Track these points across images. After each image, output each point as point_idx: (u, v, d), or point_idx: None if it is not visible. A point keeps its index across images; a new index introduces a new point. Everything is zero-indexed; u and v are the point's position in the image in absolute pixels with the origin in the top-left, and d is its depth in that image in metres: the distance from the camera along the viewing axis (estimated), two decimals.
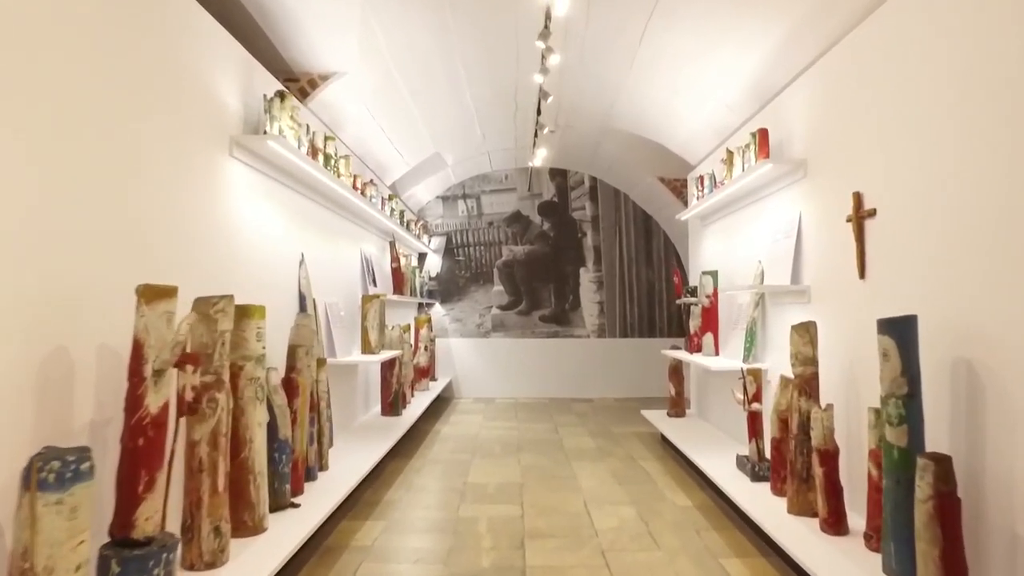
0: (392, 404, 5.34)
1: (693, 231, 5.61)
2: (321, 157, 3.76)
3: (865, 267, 2.66)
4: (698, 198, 4.82)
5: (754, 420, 3.36)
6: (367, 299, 4.76)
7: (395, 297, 5.97)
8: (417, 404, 5.99)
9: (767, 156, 3.45)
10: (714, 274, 4.47)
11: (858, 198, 2.68)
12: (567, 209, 8.29)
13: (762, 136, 3.49)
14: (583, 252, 8.26)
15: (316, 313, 3.92)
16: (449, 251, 8.37)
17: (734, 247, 4.45)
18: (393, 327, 5.39)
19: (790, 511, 2.74)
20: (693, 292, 4.99)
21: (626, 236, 8.23)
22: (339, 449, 4.03)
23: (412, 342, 7.02)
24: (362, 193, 4.82)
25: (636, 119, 5.73)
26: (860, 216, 2.66)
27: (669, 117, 5.27)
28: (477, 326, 8.26)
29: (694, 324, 4.77)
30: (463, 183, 8.31)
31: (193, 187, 2.58)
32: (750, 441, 3.38)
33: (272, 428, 2.82)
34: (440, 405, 7.46)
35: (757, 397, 3.38)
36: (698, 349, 4.76)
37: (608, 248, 8.23)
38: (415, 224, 7.46)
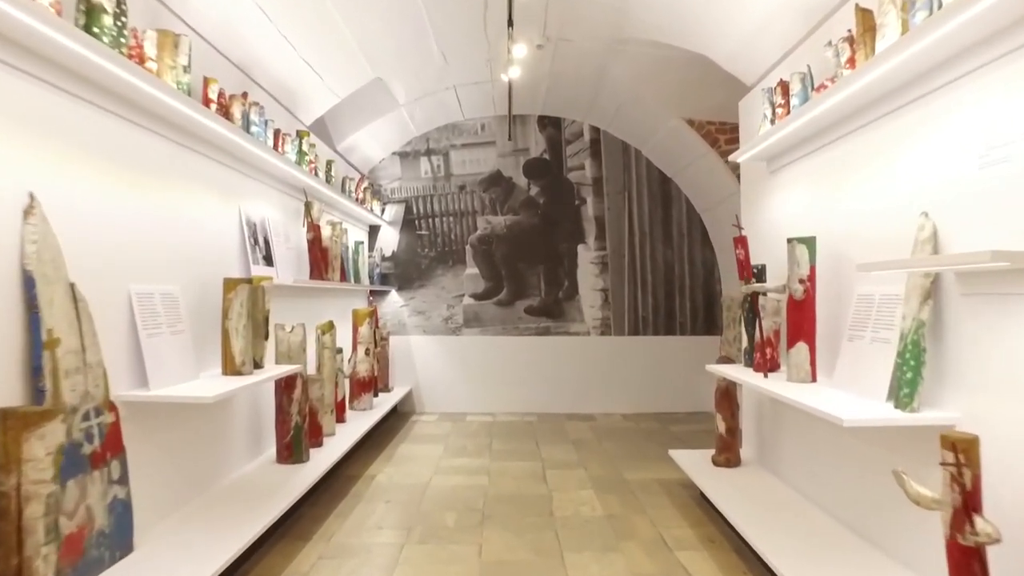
0: (291, 446, 3.48)
1: (751, 183, 3.74)
2: (77, 10, 1.87)
3: None
4: (773, 121, 2.95)
5: (977, 560, 1.51)
6: (230, 284, 2.88)
7: (314, 283, 4.10)
8: (345, 436, 4.14)
9: None
10: (810, 243, 2.62)
11: None
12: (561, 169, 6.40)
13: None
14: (582, 224, 6.38)
15: (80, 313, 2.04)
16: (409, 223, 6.47)
17: (845, 196, 2.59)
18: (292, 327, 3.52)
19: None
20: (760, 275, 3.13)
21: (637, 203, 6.36)
22: (141, 558, 2.17)
23: (351, 345, 5.15)
24: (224, 112, 2.92)
25: (663, 15, 3.84)
26: None
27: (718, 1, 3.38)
28: (445, 320, 6.40)
29: (768, 326, 2.91)
30: (426, 135, 6.40)
31: None
32: None
33: None
34: (392, 426, 5.61)
35: (974, 500, 1.53)
36: (771, 367, 2.91)
37: (614, 219, 6.35)
38: (358, 186, 5.56)
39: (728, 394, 3.49)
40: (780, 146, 3.00)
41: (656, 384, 6.27)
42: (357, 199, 5.49)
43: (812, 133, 2.74)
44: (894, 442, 2.20)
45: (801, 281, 2.58)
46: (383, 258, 6.43)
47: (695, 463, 3.61)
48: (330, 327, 4.21)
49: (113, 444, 2.14)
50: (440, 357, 6.36)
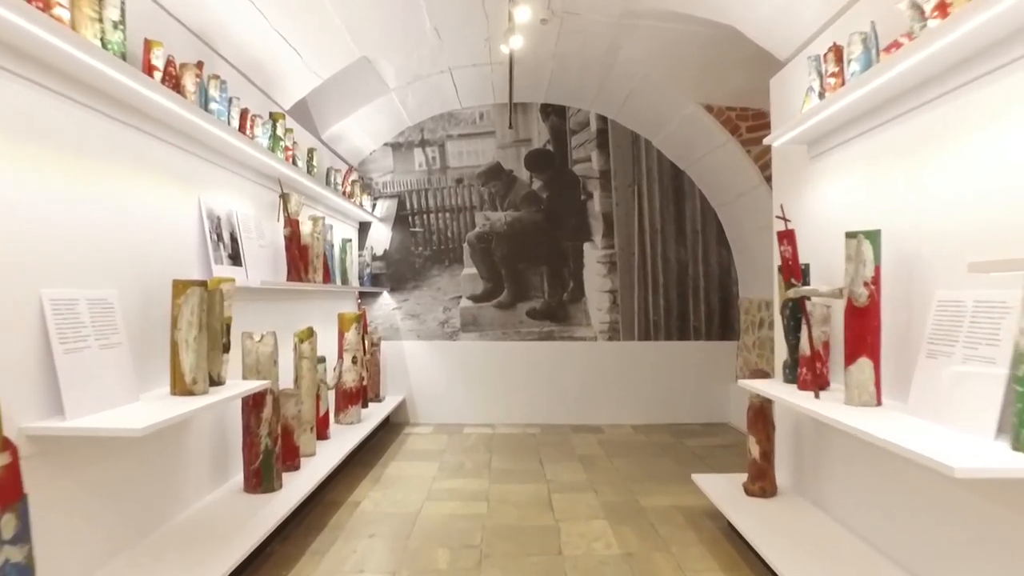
0: (260, 473, 3.02)
1: (786, 171, 3.29)
2: None
3: None
4: (822, 95, 2.50)
5: None
6: (179, 288, 2.42)
7: (291, 285, 3.65)
8: (327, 456, 3.69)
9: None
10: (875, 238, 2.16)
11: None
12: (566, 161, 5.95)
13: None
14: (588, 221, 5.93)
15: None
16: (402, 219, 6.02)
17: (921, 181, 2.14)
18: (261, 336, 3.06)
19: None
20: (803, 275, 2.67)
21: (648, 199, 5.90)
22: None
23: (336, 353, 4.69)
24: (174, 84, 2.47)
25: None
26: None
27: None
28: (440, 324, 5.95)
29: (818, 335, 2.46)
30: (420, 125, 5.95)
31: None
32: None
33: None
34: (383, 439, 5.16)
35: None
36: (819, 384, 2.45)
37: (623, 215, 5.90)
38: (345, 179, 5.11)
39: (763, 413, 3.04)
40: (830, 124, 2.55)
41: (668, 393, 5.82)
42: (344, 192, 5.03)
43: (876, 105, 2.28)
44: (993, 485, 1.75)
45: (866, 284, 2.13)
46: (374, 257, 5.97)
47: (723, 491, 3.16)
48: (309, 334, 3.76)
49: (6, 493, 1.69)
50: (435, 364, 5.91)
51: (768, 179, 4.72)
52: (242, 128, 3.12)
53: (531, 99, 5.82)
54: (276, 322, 3.77)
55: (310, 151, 4.26)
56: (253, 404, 3.01)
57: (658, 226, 5.89)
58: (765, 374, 3.11)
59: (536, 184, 5.94)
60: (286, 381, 3.70)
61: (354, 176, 5.38)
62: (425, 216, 6.00)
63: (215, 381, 2.61)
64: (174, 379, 2.41)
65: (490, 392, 5.85)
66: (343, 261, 5.11)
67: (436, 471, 4.28)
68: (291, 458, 3.40)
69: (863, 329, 2.16)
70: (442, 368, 5.90)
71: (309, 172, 4.22)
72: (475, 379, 5.87)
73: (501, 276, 5.93)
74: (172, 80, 2.46)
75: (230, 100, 2.98)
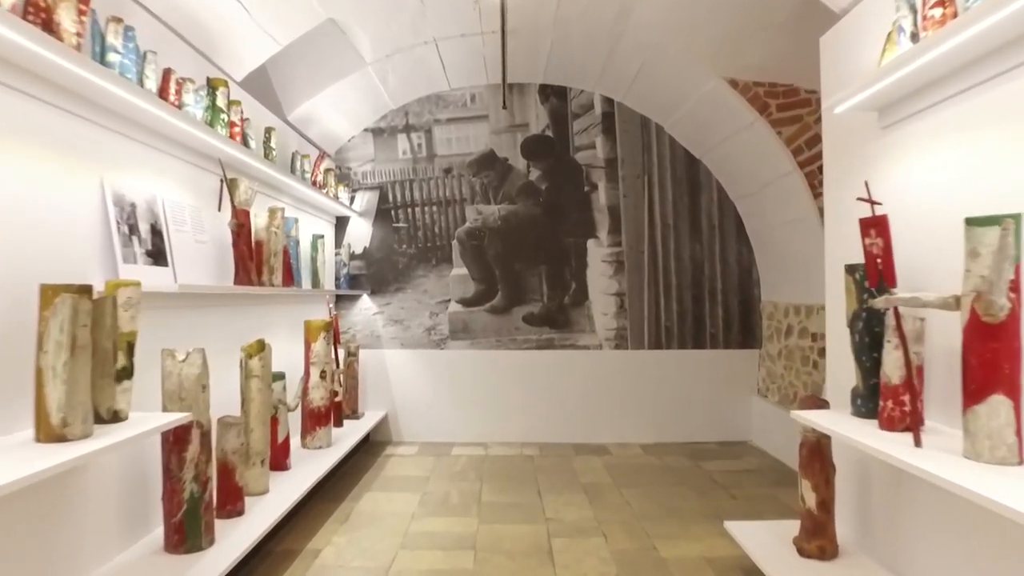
0: (183, 527, 2.38)
1: (845, 147, 2.64)
2: None
3: None
4: (915, 37, 1.86)
5: None
6: (47, 296, 1.78)
7: (236, 289, 3.01)
8: (283, 493, 3.06)
9: None
10: (1019, 223, 1.52)
11: None
12: (567, 148, 5.31)
13: None
14: (592, 215, 5.29)
15: None
16: (383, 213, 5.38)
17: None
18: (186, 355, 2.41)
19: None
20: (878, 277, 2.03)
21: (659, 190, 5.27)
22: None
23: (303, 367, 4.04)
24: (43, 19, 1.83)
25: None
26: None
27: None
28: (427, 331, 5.30)
29: (916, 354, 1.83)
30: (405, 108, 5.30)
31: None
32: None
33: None
34: (360, 462, 4.51)
35: None
36: (912, 422, 1.82)
37: (631, 209, 5.26)
38: (316, 166, 4.46)
39: (820, 452, 2.40)
40: (927, 75, 1.90)
41: (682, 408, 5.18)
42: (314, 182, 4.39)
43: (1010, 40, 1.64)
44: None
45: (1010, 293, 1.49)
46: (352, 256, 5.33)
47: (767, 545, 2.53)
48: (259, 348, 3.11)
49: None
50: (421, 375, 5.26)
51: (801, 165, 4.09)
52: (163, 92, 2.48)
53: (528, 79, 5.19)
54: (223, 335, 3.14)
55: (267, 131, 3.62)
56: (174, 441, 2.36)
57: (670, 221, 5.26)
58: (821, 403, 2.47)
59: (534, 174, 5.30)
60: (232, 407, 3.07)
61: (328, 164, 4.74)
62: (410, 210, 5.35)
63: (106, 418, 1.97)
64: (38, 420, 1.77)
65: (482, 407, 5.21)
66: (314, 261, 4.47)
67: (416, 506, 3.64)
68: (232, 502, 2.75)
69: (997, 354, 1.52)
70: (429, 380, 5.26)
71: (267, 156, 3.58)
72: (466, 392, 5.23)
73: (495, 277, 5.29)
74: (39, 13, 1.82)
75: (144, 55, 2.34)
